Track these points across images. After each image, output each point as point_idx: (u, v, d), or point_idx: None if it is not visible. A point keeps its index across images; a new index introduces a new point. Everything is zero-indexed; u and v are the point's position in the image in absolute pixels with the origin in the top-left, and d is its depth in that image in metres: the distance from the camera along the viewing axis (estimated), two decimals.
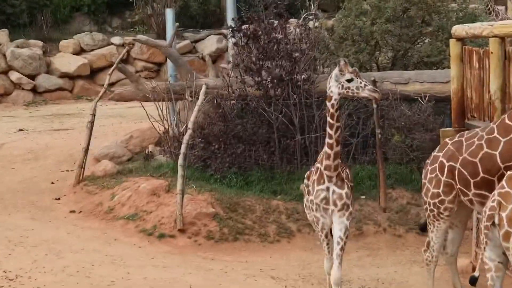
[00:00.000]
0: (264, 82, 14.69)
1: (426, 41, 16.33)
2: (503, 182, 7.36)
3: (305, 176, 9.35)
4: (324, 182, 8.72)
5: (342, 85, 8.31)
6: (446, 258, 9.42)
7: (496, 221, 7.20)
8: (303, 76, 14.70)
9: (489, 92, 9.82)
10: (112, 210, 13.21)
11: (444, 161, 8.64)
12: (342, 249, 8.75)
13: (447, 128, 11.21)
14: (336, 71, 8.42)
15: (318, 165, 8.86)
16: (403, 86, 14.54)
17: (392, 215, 13.24)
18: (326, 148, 8.62)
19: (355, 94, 8.45)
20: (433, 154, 9.00)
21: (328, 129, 8.56)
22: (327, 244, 9.11)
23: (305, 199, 9.27)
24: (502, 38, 9.63)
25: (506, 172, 7.75)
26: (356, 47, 16.03)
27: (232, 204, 12.99)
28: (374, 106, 13.50)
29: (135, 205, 13.05)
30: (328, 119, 8.54)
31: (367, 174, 13.97)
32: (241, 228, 12.60)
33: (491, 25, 9.94)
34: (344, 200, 8.68)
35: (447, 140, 8.99)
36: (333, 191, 8.72)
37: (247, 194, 13.42)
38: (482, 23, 11.33)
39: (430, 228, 8.96)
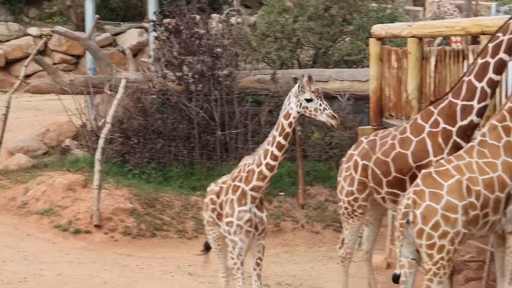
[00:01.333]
0: (185, 77, 14.69)
1: (347, 39, 16.57)
2: (418, 180, 7.55)
3: (209, 191, 8.63)
4: (246, 204, 8.07)
5: (300, 104, 7.75)
6: (361, 255, 9.59)
7: (411, 218, 7.38)
8: (224, 72, 14.74)
9: (406, 91, 10.04)
10: (26, 205, 12.94)
11: (359, 159, 8.77)
12: (261, 269, 8.51)
13: (366, 126, 11.41)
14: (295, 87, 7.85)
15: (240, 184, 8.11)
16: (324, 84, 14.67)
17: (310, 212, 13.41)
18: (263, 169, 7.95)
19: (312, 116, 7.83)
20: (348, 152, 9.12)
21: (275, 149, 7.90)
22: (242, 273, 8.31)
23: (206, 215, 8.61)
24: (420, 39, 9.87)
25: (418, 171, 7.96)
26: (278, 44, 16.16)
27: (151, 200, 12.95)
28: None
29: (50, 200, 12.83)
30: (280, 138, 7.88)
31: (286, 171, 14.07)
32: (159, 224, 12.58)
33: (410, 26, 10.18)
34: (265, 225, 8.28)
35: (362, 138, 9.14)
36: (255, 214, 8.17)
37: (165, 190, 13.39)
38: (401, 23, 11.61)
39: (344, 226, 9.07)
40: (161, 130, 14.22)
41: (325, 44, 16.31)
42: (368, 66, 12.20)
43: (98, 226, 12.23)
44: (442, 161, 7.77)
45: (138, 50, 23.73)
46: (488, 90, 7.99)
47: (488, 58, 7.92)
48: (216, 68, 14.64)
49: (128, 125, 14.33)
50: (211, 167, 14.29)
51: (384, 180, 8.48)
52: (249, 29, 16.98)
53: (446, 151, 8.14)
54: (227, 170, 14.05)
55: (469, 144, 7.82)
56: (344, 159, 9.07)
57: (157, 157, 14.08)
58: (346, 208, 8.85)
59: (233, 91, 14.65)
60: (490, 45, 7.94)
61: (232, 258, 8.24)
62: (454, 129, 8.13)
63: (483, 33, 8.79)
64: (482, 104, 8.04)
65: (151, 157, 14.04)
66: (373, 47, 10.99)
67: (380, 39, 10.95)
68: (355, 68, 15.54)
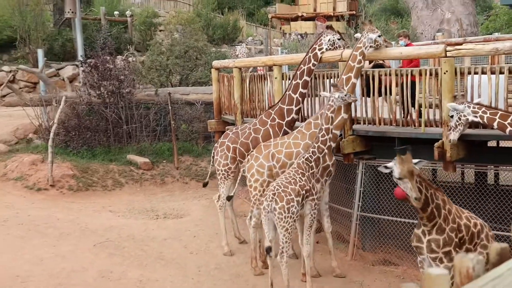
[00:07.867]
0: (102, 94, 14.11)
1: (199, 69, 16.51)
2: (254, 149, 7.63)
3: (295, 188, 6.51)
4: None
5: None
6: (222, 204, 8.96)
7: (245, 170, 7.44)
8: (126, 90, 14.30)
9: (233, 99, 10.13)
10: (6, 174, 12.02)
11: (229, 143, 8.30)
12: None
13: (212, 120, 11.41)
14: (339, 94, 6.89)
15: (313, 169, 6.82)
16: (187, 96, 14.62)
17: (181, 171, 13.28)
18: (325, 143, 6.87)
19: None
20: (220, 140, 8.49)
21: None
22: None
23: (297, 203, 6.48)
24: (240, 68, 9.98)
25: None
26: (158, 73, 15.89)
27: (84, 168, 12.37)
28: (170, 107, 13.48)
29: (21, 171, 12.00)
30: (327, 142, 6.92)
31: (166, 148, 13.88)
32: (90, 183, 12.05)
33: (234, 61, 10.26)
34: None
35: (228, 131, 8.57)
36: None
37: (94, 162, 12.84)
38: (229, 59, 11.66)
39: (221, 186, 8.33)
40: (89, 126, 13.65)
41: (186, 72, 16.18)
42: (211, 85, 12.21)
43: (52, 186, 11.59)
44: (271, 140, 7.71)
45: (73, 79, 22.38)
46: (300, 99, 8.02)
47: (298, 80, 7.97)
48: (121, 88, 14.18)
49: (68, 124, 13.64)
50: (120, 147, 13.88)
51: (246, 153, 8.17)
52: (140, 65, 16.60)
53: (280, 135, 8.05)
54: (131, 149, 13.77)
55: (295, 130, 7.67)
56: (217, 145, 8.42)
57: (87, 143, 13.50)
58: (223, 174, 8.28)
59: (132, 101, 14.25)
60: (298, 72, 7.97)
61: (309, 235, 6.68)
62: (283, 122, 8.10)
63: (275, 65, 8.99)
64: (298, 107, 8.06)
65: (83, 143, 13.44)
66: (214, 74, 11.02)
67: (218, 69, 10.98)
68: (205, 86, 15.52)
